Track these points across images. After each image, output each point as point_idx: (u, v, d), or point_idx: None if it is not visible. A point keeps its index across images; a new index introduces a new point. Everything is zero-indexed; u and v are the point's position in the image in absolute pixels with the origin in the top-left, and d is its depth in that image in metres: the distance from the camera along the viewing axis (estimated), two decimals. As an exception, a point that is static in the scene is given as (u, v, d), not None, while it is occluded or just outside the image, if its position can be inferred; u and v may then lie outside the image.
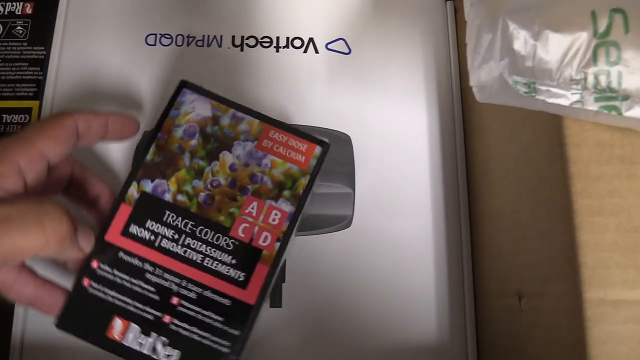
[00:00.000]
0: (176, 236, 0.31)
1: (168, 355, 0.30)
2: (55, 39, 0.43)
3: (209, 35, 0.42)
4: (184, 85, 0.33)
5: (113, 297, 0.30)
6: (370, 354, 0.37)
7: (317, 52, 0.42)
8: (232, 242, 0.31)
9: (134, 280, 0.30)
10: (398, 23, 0.43)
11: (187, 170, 0.32)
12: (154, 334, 0.30)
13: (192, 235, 0.31)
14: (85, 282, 0.30)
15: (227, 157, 0.32)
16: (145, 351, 0.30)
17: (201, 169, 0.32)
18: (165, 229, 0.31)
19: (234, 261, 0.31)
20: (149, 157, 0.32)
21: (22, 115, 0.42)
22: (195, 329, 0.30)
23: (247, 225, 0.31)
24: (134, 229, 0.31)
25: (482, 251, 0.38)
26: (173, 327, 0.30)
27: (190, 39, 0.42)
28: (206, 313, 0.30)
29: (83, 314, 0.30)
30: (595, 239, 0.26)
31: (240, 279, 0.31)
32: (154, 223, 0.31)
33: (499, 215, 0.35)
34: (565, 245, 0.27)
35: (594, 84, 0.22)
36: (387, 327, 0.38)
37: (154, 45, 0.42)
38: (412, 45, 0.42)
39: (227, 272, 0.31)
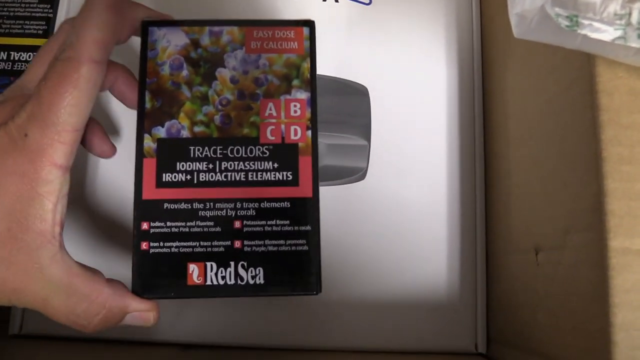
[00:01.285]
0: (211, 166, 0.30)
1: (253, 276, 0.29)
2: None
3: (226, -20, 0.41)
4: (148, 24, 0.31)
5: (177, 247, 0.29)
6: (378, 306, 0.37)
7: (336, 1, 0.41)
8: (266, 148, 0.31)
9: (190, 223, 0.30)
10: (420, -24, 0.42)
11: (191, 101, 0.31)
12: (232, 263, 0.29)
13: (226, 158, 0.30)
14: (144, 245, 0.29)
15: (224, 73, 0.31)
16: (230, 282, 0.29)
17: (204, 94, 0.31)
18: (197, 163, 0.30)
19: (275, 165, 0.30)
20: (147, 105, 0.31)
21: (30, 53, 0.41)
22: (268, 241, 0.30)
23: (273, 127, 0.31)
24: (166, 177, 0.30)
25: (496, 208, 0.38)
26: (247, 249, 0.30)
27: (208, -17, 0.41)
28: (271, 222, 0.30)
29: (156, 275, 0.29)
30: (623, 187, 0.25)
31: (290, 179, 0.30)
32: (184, 163, 0.30)
33: (517, 170, 0.35)
34: (591, 194, 0.26)
35: (638, 19, 0.21)
36: (396, 282, 0.38)
37: None
38: (433, -1, 0.41)
39: (274, 177, 0.30)
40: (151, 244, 0.29)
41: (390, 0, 0.41)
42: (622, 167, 0.26)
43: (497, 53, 0.39)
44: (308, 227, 0.30)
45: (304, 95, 0.31)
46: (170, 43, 0.31)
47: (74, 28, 0.26)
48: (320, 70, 0.39)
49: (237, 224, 0.30)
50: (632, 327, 0.24)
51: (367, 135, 0.39)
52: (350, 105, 0.39)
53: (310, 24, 0.32)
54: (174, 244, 0.29)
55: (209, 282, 0.29)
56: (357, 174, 0.38)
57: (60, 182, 0.26)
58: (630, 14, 0.21)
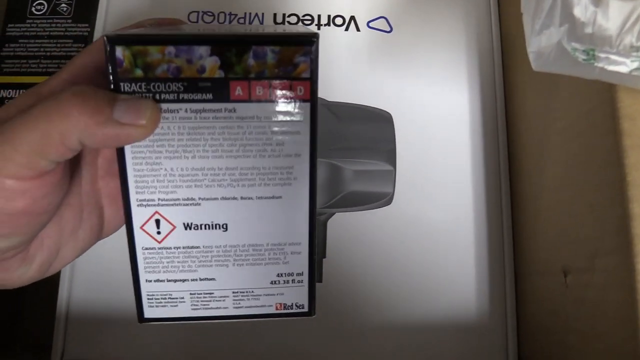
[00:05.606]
0: None
1: None
2: (99, 16, 0.43)
3: (250, 13, 0.42)
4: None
5: None
6: (408, 330, 0.38)
7: (358, 30, 0.42)
8: None
9: None
10: (439, 2, 0.42)
11: None
12: None
13: None
14: None
15: None
16: None
17: None
18: None
19: None
20: None
21: (67, 91, 0.43)
22: None
23: None
24: None
25: (523, 230, 0.38)
26: None
27: (232, 17, 0.42)
28: None
29: None
30: (649, 211, 0.26)
31: None
32: None
33: (543, 192, 0.35)
34: (617, 217, 0.27)
35: (655, 51, 0.22)
36: (426, 304, 0.38)
37: (196, 22, 0.42)
38: (453, 24, 0.42)
39: None
40: None
41: (411, 28, 0.42)
42: (647, 191, 0.26)
43: (519, 76, 0.39)
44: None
45: None
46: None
47: None
48: (345, 98, 0.40)
49: None
50: (662, 351, 0.25)
51: (392, 161, 0.39)
52: (375, 131, 0.40)
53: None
54: None
55: None
56: (383, 199, 0.39)
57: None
58: (646, 46, 0.22)
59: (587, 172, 0.30)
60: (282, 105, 0.24)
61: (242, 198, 0.26)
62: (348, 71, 0.41)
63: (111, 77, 0.23)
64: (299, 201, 0.26)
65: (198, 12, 0.43)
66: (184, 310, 0.28)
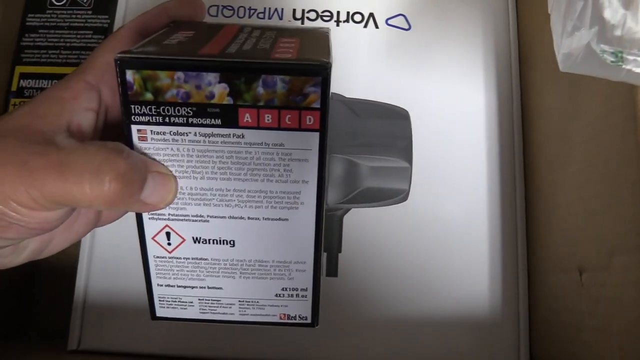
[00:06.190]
0: None
1: None
2: (119, 8, 0.43)
3: (270, 8, 0.43)
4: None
5: None
6: (420, 326, 0.38)
7: (377, 27, 0.42)
8: None
9: None
10: (458, 0, 0.43)
11: None
12: None
13: None
14: None
15: None
16: None
17: None
18: None
19: None
20: None
21: (86, 82, 0.43)
22: None
23: None
24: None
25: (538, 228, 0.38)
26: None
27: (252, 11, 0.43)
28: None
29: None
30: (668, 212, 0.26)
31: None
32: None
33: (559, 190, 0.36)
34: (635, 218, 0.27)
35: (682, 54, 0.22)
36: (439, 301, 0.38)
37: (216, 16, 0.43)
38: (471, 22, 0.42)
39: None
40: None
41: (429, 26, 0.42)
42: (667, 192, 0.26)
43: (536, 75, 0.40)
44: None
45: None
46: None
47: None
48: (362, 94, 0.41)
49: None
50: (679, 348, 0.25)
51: (408, 158, 0.40)
52: (392, 128, 0.40)
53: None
54: None
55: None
56: (399, 195, 0.39)
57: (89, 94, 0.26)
58: (674, 49, 0.22)
59: (606, 172, 0.30)
60: (291, 134, 0.24)
61: (249, 218, 0.26)
62: (366, 68, 0.41)
63: (122, 99, 0.23)
64: (305, 224, 0.26)
65: (218, 6, 0.43)
66: (192, 312, 0.29)
